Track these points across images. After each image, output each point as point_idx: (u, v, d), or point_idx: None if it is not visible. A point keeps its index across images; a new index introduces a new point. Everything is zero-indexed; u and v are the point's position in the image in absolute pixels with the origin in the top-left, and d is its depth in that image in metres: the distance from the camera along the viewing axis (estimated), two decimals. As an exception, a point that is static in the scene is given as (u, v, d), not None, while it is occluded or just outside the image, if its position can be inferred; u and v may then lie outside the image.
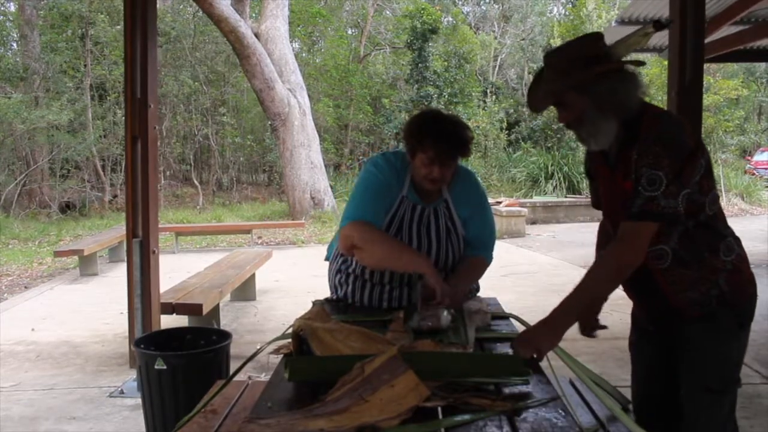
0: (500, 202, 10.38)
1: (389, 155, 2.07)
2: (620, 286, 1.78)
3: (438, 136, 1.89)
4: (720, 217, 1.65)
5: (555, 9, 22.71)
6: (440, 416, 1.24)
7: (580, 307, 1.57)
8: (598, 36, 1.65)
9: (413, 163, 1.98)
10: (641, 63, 1.61)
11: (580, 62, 1.55)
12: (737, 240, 1.67)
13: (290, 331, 1.55)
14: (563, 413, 1.27)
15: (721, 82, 15.43)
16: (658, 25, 1.55)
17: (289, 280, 6.46)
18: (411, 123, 2.01)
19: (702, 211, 1.59)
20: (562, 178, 13.19)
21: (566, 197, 12.29)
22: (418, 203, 2.04)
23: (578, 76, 1.54)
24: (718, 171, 13.38)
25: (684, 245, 1.59)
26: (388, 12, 18.51)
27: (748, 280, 1.66)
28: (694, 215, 1.58)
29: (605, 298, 1.76)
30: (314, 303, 2.18)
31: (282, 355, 1.66)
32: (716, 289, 1.60)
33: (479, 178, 2.25)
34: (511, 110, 17.03)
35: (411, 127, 1.98)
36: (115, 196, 13.30)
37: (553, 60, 1.62)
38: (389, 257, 1.93)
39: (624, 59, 1.61)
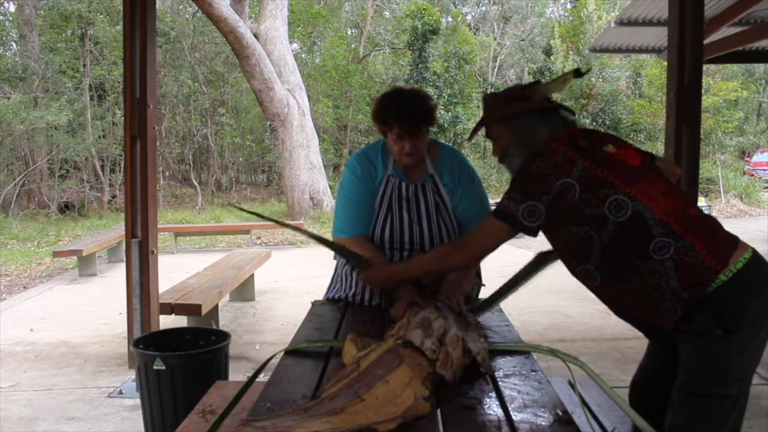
0: (499, 203, 10.35)
1: (364, 150, 2.20)
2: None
3: (400, 111, 1.99)
4: (640, 221, 1.56)
5: (555, 10, 22.74)
6: (440, 425, 1.24)
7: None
8: (531, 83, 1.84)
9: (388, 143, 2.07)
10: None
11: (505, 100, 1.81)
12: (678, 236, 1.53)
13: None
14: (562, 413, 1.27)
15: (721, 84, 15.41)
16: (577, 73, 1.74)
17: (288, 280, 6.46)
18: (374, 105, 2.08)
19: (606, 223, 1.56)
20: (561, 179, 13.16)
21: (565, 198, 12.26)
22: (404, 180, 2.11)
23: (501, 111, 1.79)
24: (717, 172, 13.37)
25: (606, 261, 1.59)
26: (387, 13, 18.50)
27: (702, 266, 1.51)
28: (599, 229, 1.57)
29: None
30: (313, 303, 2.18)
31: (282, 355, 1.66)
32: (669, 293, 1.52)
33: (469, 159, 2.32)
34: (511, 111, 16.98)
35: (375, 110, 2.07)
36: (114, 197, 13.30)
37: (488, 98, 1.87)
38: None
39: (547, 92, 1.80)
